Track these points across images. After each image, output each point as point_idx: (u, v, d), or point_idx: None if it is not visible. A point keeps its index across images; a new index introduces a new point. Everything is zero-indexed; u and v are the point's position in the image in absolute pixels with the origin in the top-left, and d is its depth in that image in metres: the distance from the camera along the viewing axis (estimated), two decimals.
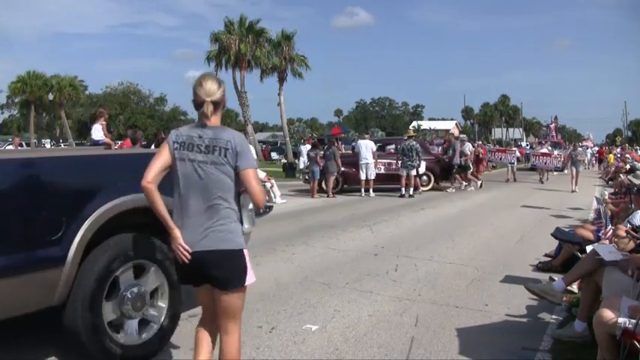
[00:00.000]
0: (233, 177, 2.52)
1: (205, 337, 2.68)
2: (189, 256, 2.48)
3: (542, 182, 18.60)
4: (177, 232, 2.51)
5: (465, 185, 16.16)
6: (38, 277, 2.91)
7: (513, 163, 20.26)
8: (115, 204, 3.21)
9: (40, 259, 2.91)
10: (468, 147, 19.21)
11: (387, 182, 14.58)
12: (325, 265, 6.08)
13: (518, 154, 23.52)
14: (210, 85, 2.53)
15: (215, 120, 2.56)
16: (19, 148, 16.37)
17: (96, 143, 8.90)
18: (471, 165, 16.51)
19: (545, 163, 19.65)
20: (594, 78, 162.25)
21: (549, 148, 22.09)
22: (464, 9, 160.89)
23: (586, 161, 25.43)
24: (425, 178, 15.39)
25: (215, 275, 2.50)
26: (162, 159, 2.54)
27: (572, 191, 15.16)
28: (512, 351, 3.59)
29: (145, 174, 2.50)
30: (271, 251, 6.76)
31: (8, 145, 24.39)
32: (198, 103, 2.53)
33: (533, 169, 21.32)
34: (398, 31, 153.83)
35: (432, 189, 15.37)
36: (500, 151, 22.21)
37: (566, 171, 18.10)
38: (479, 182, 16.61)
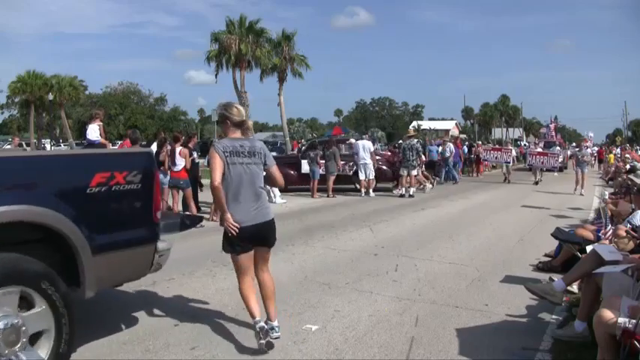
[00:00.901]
0: (263, 171, 3.68)
1: (253, 291, 3.69)
2: (237, 230, 3.46)
3: (536, 184, 17.99)
4: (229, 215, 3.49)
5: (420, 186, 15.25)
6: None
7: (509, 163, 19.91)
8: None
9: None
10: (449, 147, 19.10)
11: (336, 183, 14.13)
12: (325, 265, 6.08)
13: (514, 153, 23.14)
14: (242, 109, 3.69)
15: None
16: (18, 148, 16.30)
17: (92, 143, 8.89)
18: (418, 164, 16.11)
19: (542, 162, 19.21)
20: (594, 78, 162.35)
21: (544, 148, 21.84)
22: (464, 9, 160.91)
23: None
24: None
25: (266, 238, 3.70)
26: (220, 165, 3.47)
27: (578, 194, 14.44)
28: (512, 351, 3.59)
29: (213, 177, 3.43)
30: (271, 251, 6.74)
31: (7, 144, 24.32)
32: (239, 122, 3.63)
33: (530, 169, 20.57)
34: (398, 31, 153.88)
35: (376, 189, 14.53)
36: (496, 150, 21.69)
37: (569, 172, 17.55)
38: (427, 185, 15.56)
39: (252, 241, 3.61)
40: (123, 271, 3.58)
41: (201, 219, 4.38)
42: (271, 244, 3.77)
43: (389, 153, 16.89)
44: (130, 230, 3.51)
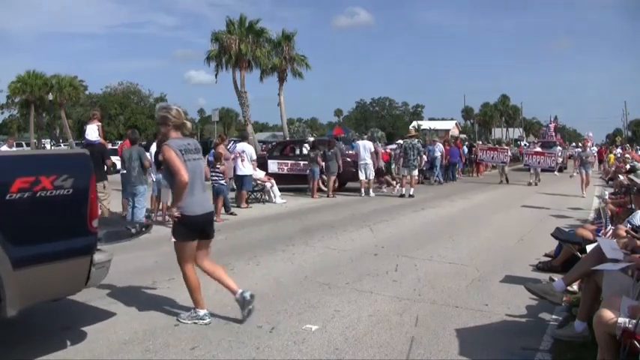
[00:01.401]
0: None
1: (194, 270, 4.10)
2: (178, 216, 3.85)
3: (535, 184, 17.77)
4: (176, 208, 3.87)
5: (389, 187, 15.31)
6: None
7: (506, 163, 19.63)
8: None
9: None
10: (439, 148, 18.92)
11: (295, 182, 14.31)
12: (325, 265, 6.08)
13: (510, 153, 22.87)
14: (181, 110, 4.03)
15: None
16: (13, 148, 16.14)
17: (91, 143, 8.88)
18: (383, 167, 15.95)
19: (539, 162, 18.92)
20: (594, 78, 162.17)
21: (541, 148, 21.58)
22: (464, 9, 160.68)
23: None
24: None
25: (210, 227, 4.08)
26: (182, 163, 3.78)
27: (582, 196, 13.90)
28: (512, 351, 3.59)
29: (183, 174, 3.71)
30: (271, 251, 6.76)
31: (3, 145, 24.07)
32: (181, 124, 3.96)
33: (527, 169, 19.99)
34: (398, 31, 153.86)
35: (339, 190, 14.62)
36: (493, 149, 21.47)
37: (575, 173, 17.11)
38: (395, 188, 15.10)
39: (202, 230, 4.00)
40: (52, 287, 3.25)
41: (148, 226, 4.14)
42: (212, 235, 4.14)
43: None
44: (59, 241, 3.18)
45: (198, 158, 3.98)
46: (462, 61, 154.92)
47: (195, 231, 3.95)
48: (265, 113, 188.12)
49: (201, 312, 4.06)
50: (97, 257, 3.43)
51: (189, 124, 4.07)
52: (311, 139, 15.37)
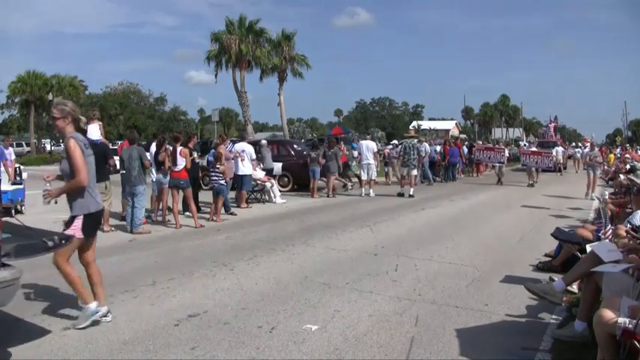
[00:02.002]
0: None
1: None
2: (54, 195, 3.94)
3: (533, 185, 17.56)
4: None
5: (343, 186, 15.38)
6: None
7: (503, 163, 19.36)
8: None
9: None
10: (425, 147, 18.80)
11: None
12: (325, 265, 6.08)
13: (507, 153, 22.63)
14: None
15: None
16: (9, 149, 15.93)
17: (94, 143, 8.86)
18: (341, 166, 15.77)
19: (537, 162, 18.57)
20: (594, 78, 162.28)
21: (539, 148, 21.41)
22: (464, 9, 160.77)
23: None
24: (285, 179, 14.93)
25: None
26: (84, 161, 3.86)
27: (586, 196, 13.61)
28: (512, 351, 3.59)
29: (84, 178, 3.82)
30: (271, 251, 6.76)
31: None
32: (79, 119, 4.07)
33: (524, 169, 19.79)
34: (398, 31, 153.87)
35: (292, 189, 14.80)
36: (489, 149, 21.19)
37: (577, 171, 16.75)
38: (348, 184, 15.53)
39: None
40: None
41: (69, 238, 3.84)
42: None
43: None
44: None
45: (92, 154, 4.09)
46: (462, 61, 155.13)
47: (98, 224, 4.23)
48: (265, 113, 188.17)
49: (92, 307, 3.93)
50: (0, 275, 2.98)
51: (83, 119, 4.19)
52: (264, 141, 15.28)
